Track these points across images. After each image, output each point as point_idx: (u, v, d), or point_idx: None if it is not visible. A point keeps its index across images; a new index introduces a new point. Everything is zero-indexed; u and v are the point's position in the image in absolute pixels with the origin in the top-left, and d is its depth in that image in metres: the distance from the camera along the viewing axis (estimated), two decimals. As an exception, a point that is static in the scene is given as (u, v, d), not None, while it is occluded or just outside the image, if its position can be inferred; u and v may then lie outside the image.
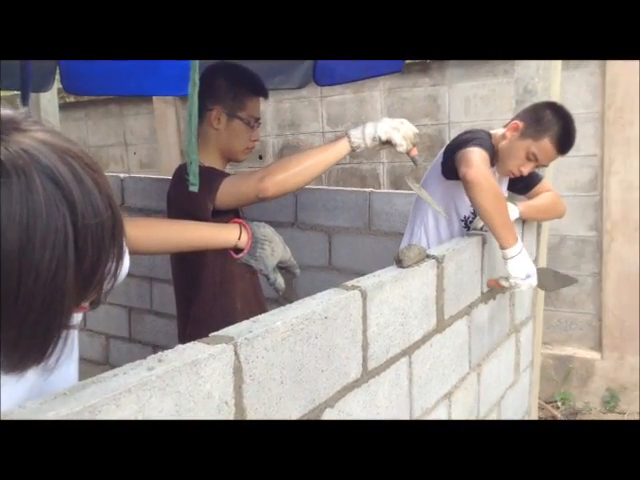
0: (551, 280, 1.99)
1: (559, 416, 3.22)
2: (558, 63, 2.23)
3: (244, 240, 1.30)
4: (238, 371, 0.80)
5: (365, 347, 1.13)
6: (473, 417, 1.72)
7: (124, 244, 0.61)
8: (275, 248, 1.32)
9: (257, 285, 1.85)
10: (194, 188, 1.27)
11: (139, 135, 5.25)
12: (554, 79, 2.16)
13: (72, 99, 5.05)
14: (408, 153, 1.53)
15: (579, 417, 3.25)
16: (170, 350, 0.75)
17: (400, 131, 1.48)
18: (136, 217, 1.27)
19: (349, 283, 1.15)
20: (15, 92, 2.56)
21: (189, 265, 1.69)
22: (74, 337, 0.78)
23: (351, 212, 2.74)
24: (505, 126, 1.92)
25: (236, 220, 1.36)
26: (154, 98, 4.81)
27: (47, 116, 2.93)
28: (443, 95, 3.73)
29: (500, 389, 1.96)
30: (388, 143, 1.50)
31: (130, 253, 1.04)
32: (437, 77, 3.71)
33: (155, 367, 0.69)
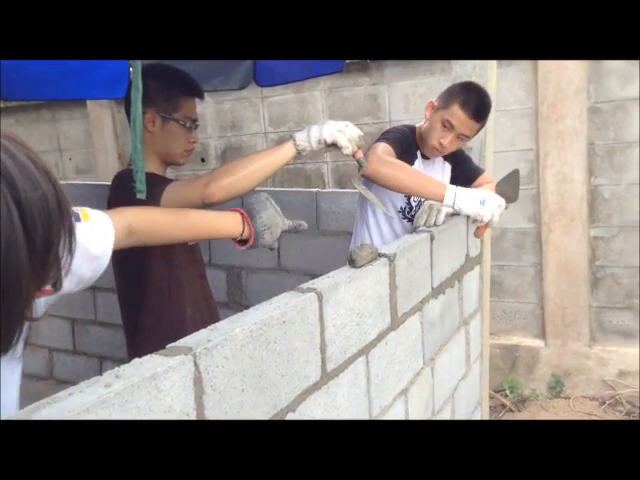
0: (508, 189, 1.95)
1: (508, 404, 3.31)
2: (493, 62, 2.30)
3: (247, 233, 1.33)
4: (198, 382, 0.78)
5: (323, 349, 1.13)
6: (429, 411, 1.75)
7: (72, 221, 0.59)
8: (274, 231, 1.37)
9: (207, 289, 1.82)
10: (142, 195, 1.23)
11: (74, 140, 5.07)
12: (490, 77, 2.22)
13: (1, 105, 4.83)
14: (354, 155, 1.54)
15: (527, 404, 3.36)
16: (127, 364, 0.72)
17: (345, 134, 1.49)
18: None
19: (304, 285, 1.14)
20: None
21: (133, 273, 1.64)
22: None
23: (298, 213, 2.73)
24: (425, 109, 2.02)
25: (238, 210, 1.35)
26: (88, 102, 4.66)
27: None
28: (383, 94, 3.77)
29: (453, 382, 1.99)
30: (333, 146, 1.51)
31: (139, 243, 1.02)
32: (376, 76, 3.75)
33: (113, 383, 0.66)
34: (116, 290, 1.75)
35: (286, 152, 1.48)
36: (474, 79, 2.21)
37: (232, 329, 0.87)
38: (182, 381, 0.75)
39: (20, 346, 0.57)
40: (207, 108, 4.20)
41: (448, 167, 2.14)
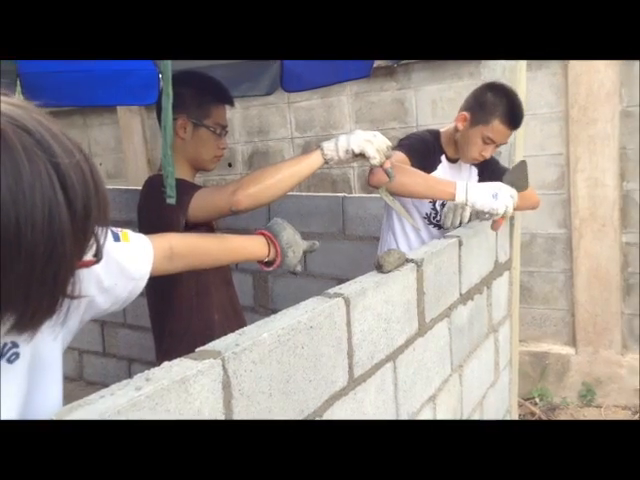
0: (517, 179, 1.89)
1: (538, 412, 3.26)
2: (523, 65, 2.27)
3: (273, 254, 1.35)
4: (227, 386, 0.78)
5: (350, 354, 1.12)
6: (457, 418, 1.73)
7: (105, 190, 0.61)
8: (296, 250, 1.36)
9: (233, 295, 1.83)
10: (171, 200, 1.24)
11: (104, 146, 5.16)
12: (520, 80, 2.19)
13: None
14: (381, 166, 1.53)
15: (557, 412, 3.30)
16: (157, 368, 0.73)
17: (373, 144, 1.48)
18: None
19: (331, 290, 1.14)
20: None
21: (161, 279, 1.65)
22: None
23: (325, 217, 2.73)
24: (455, 119, 1.99)
25: (263, 233, 1.37)
26: (118, 108, 4.74)
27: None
28: (410, 98, 3.76)
29: (482, 389, 1.97)
30: (361, 155, 1.50)
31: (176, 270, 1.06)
32: (403, 81, 3.74)
33: (143, 386, 0.67)
34: (145, 295, 1.77)
35: (313, 161, 1.48)
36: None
37: (260, 334, 0.87)
38: (211, 385, 0.76)
39: (64, 309, 0.60)
40: (235, 113, 4.23)
41: (475, 171, 2.12)
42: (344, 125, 3.93)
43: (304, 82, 2.85)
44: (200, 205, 1.47)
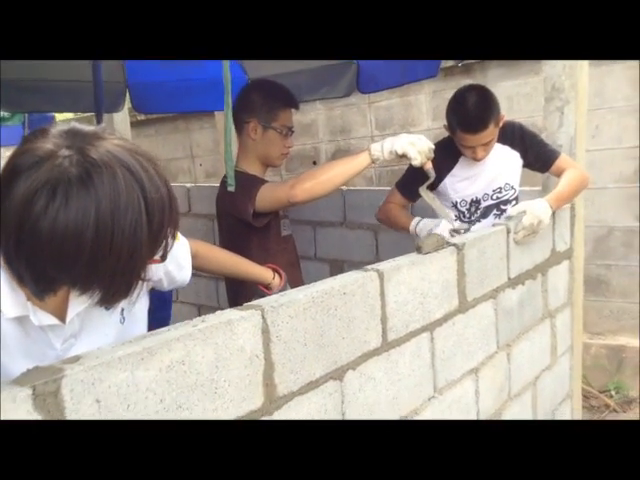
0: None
1: (612, 405, 3.24)
2: (584, 61, 2.31)
3: (277, 281, 1.61)
4: (266, 331, 0.99)
5: (384, 321, 1.29)
6: (504, 393, 1.83)
7: (178, 215, 0.86)
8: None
9: (298, 276, 2.05)
10: (231, 188, 1.49)
11: (204, 147, 5.59)
12: (580, 76, 2.24)
13: (143, 117, 5.43)
14: (422, 166, 1.70)
15: (633, 406, 3.26)
16: (211, 314, 0.96)
17: (416, 146, 1.65)
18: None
19: (369, 267, 1.32)
20: (91, 114, 2.91)
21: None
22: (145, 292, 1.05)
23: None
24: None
25: (271, 266, 1.63)
26: (216, 113, 5.11)
27: (120, 133, 3.27)
28: (488, 94, 3.81)
29: (534, 370, 2.04)
30: (404, 156, 1.67)
31: (196, 268, 1.36)
32: (479, 77, 3.81)
33: (198, 324, 0.90)
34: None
35: (362, 160, 1.68)
36: (563, 79, 2.26)
37: (297, 294, 1.08)
38: (252, 329, 0.97)
39: (136, 293, 0.86)
40: (319, 115, 4.48)
41: (515, 155, 2.17)
42: (422, 122, 4.05)
43: (378, 83, 3.03)
44: (264, 197, 1.71)
